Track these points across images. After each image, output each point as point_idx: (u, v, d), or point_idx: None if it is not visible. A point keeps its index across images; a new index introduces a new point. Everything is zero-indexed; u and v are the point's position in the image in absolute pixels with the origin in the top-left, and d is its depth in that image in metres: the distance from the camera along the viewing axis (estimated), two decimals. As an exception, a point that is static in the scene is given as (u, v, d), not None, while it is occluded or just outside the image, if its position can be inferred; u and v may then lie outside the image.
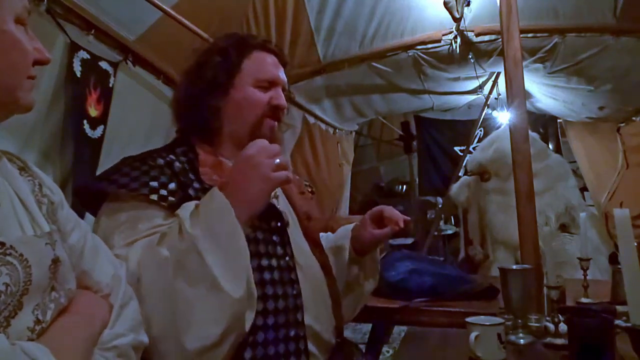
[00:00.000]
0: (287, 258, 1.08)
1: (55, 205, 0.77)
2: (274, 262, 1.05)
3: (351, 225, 1.36)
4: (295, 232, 1.18)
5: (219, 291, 0.85)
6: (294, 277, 1.07)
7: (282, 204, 1.20)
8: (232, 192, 0.92)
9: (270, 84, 1.18)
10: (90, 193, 1.04)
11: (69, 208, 0.81)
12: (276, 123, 1.19)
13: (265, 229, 1.07)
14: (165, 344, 0.84)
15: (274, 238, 1.08)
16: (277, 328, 1.00)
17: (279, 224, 1.11)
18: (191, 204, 0.94)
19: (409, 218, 1.30)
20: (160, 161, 1.04)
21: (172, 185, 1.00)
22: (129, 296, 0.81)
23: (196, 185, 1.04)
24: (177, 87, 1.24)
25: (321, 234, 1.39)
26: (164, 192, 0.99)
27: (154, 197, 0.97)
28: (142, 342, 0.79)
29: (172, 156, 1.08)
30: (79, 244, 0.79)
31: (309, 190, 1.40)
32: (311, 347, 1.06)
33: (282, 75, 1.22)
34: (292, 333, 1.02)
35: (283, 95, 1.20)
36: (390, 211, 1.29)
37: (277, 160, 0.95)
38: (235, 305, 0.86)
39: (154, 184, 0.99)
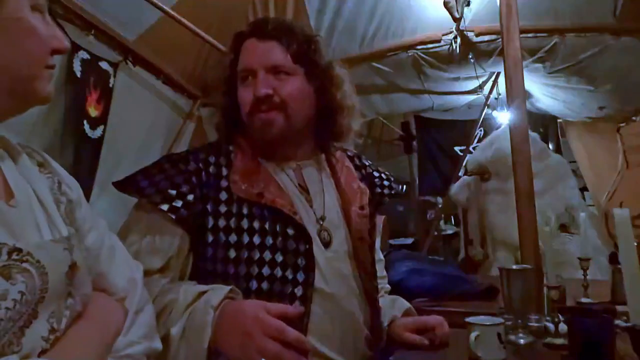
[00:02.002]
0: (305, 293, 0.98)
1: (74, 204, 0.74)
2: (287, 288, 0.98)
3: (402, 307, 1.25)
4: (340, 254, 1.08)
5: None
6: (306, 313, 0.97)
7: (331, 221, 1.09)
8: (218, 333, 0.85)
9: (247, 73, 1.05)
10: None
11: (87, 206, 0.79)
12: (272, 115, 1.03)
13: (289, 251, 1.00)
14: None
15: (299, 261, 0.99)
16: None
17: (307, 247, 1.01)
18: (194, 291, 0.90)
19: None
20: (193, 165, 1.01)
21: (190, 197, 0.97)
22: (145, 300, 0.79)
23: (223, 196, 1.00)
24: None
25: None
26: (177, 203, 0.96)
27: (165, 207, 0.95)
28: (155, 350, 0.77)
29: (212, 157, 1.04)
30: (95, 245, 0.76)
31: (391, 187, 1.28)
32: None
33: (262, 57, 1.04)
34: None
35: (265, 80, 1.02)
36: (442, 328, 1.16)
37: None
38: None
39: (172, 192, 0.96)
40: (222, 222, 0.99)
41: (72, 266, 0.65)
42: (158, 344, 0.78)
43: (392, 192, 1.28)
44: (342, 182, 1.16)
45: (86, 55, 1.70)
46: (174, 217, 0.95)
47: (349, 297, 1.05)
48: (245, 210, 1.00)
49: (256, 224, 1.00)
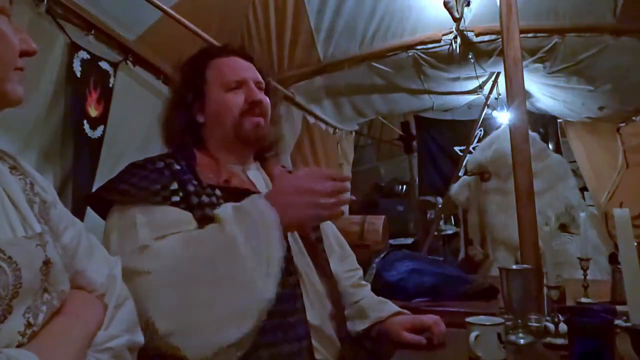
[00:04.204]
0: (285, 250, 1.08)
1: (48, 205, 0.75)
2: None
3: (390, 310, 1.30)
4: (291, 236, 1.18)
5: (252, 291, 0.89)
6: (292, 268, 1.09)
7: None
8: (275, 203, 0.96)
9: (238, 84, 1.20)
10: (99, 201, 1.08)
11: (62, 207, 0.80)
12: (261, 119, 1.21)
13: None
14: (189, 337, 0.86)
15: None
16: (278, 315, 1.00)
17: None
18: (228, 207, 0.99)
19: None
20: (160, 164, 1.08)
21: (173, 186, 1.04)
22: (125, 296, 0.80)
23: (194, 182, 1.08)
24: (161, 115, 1.26)
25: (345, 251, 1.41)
26: (165, 192, 1.02)
27: (158, 199, 1.01)
28: (137, 343, 0.78)
29: (170, 159, 1.12)
30: (72, 243, 0.77)
31: None
32: (314, 342, 1.07)
33: (250, 72, 1.24)
34: (293, 319, 1.04)
35: (257, 89, 1.22)
36: (438, 327, 1.24)
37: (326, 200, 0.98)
38: (263, 306, 0.90)
39: (156, 186, 1.02)
40: (205, 199, 1.06)
41: (46, 262, 0.66)
42: (140, 337, 0.79)
43: None
44: None
45: (86, 55, 1.69)
46: (169, 204, 1.01)
47: (308, 271, 1.16)
48: (218, 193, 1.09)
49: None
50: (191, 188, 1.05)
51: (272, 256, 0.92)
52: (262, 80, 1.26)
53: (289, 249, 1.10)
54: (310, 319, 1.08)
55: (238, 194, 1.08)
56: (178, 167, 1.09)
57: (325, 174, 1.01)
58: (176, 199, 1.02)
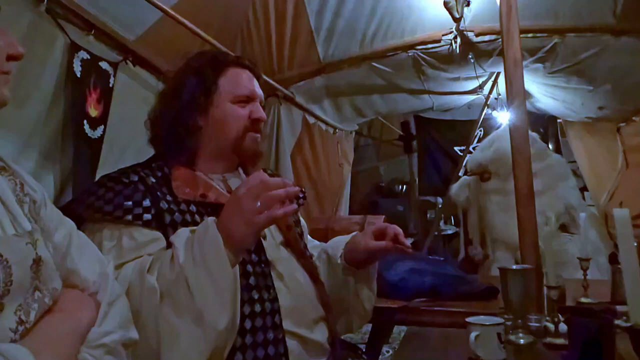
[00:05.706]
0: (262, 265, 1.10)
1: (38, 204, 0.76)
2: (248, 267, 1.07)
3: (346, 237, 1.35)
4: (273, 244, 1.19)
5: (204, 323, 0.87)
6: (269, 283, 1.09)
7: None
8: (222, 229, 0.93)
9: (248, 99, 1.23)
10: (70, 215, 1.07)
11: (52, 206, 0.80)
12: (258, 135, 1.25)
13: None
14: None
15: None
16: (255, 331, 1.02)
17: None
18: (185, 232, 0.96)
19: (409, 241, 1.29)
20: (134, 177, 1.08)
21: (146, 202, 1.03)
22: (117, 293, 0.81)
23: (168, 198, 1.07)
24: (153, 110, 1.27)
25: (313, 243, 1.43)
26: (138, 210, 1.01)
27: (129, 217, 1.00)
28: (132, 339, 0.78)
29: (147, 171, 1.12)
30: (63, 242, 0.78)
31: (302, 196, 1.38)
32: (298, 350, 1.08)
33: (258, 89, 1.27)
34: (271, 336, 1.04)
35: (261, 108, 1.26)
36: (394, 229, 1.27)
37: (259, 203, 0.90)
38: (218, 337, 0.89)
39: (129, 203, 1.02)
40: (178, 217, 1.05)
41: (36, 260, 0.66)
42: (134, 334, 0.79)
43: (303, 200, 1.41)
44: None
45: (86, 55, 1.69)
46: (140, 222, 1.01)
47: (298, 277, 1.18)
48: (193, 209, 1.09)
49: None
50: (164, 205, 1.05)
51: (223, 284, 0.90)
52: (262, 100, 1.30)
53: (261, 250, 1.12)
54: (293, 326, 1.09)
55: (214, 209, 1.07)
56: (153, 180, 1.09)
57: (264, 176, 0.94)
58: (148, 217, 1.01)
